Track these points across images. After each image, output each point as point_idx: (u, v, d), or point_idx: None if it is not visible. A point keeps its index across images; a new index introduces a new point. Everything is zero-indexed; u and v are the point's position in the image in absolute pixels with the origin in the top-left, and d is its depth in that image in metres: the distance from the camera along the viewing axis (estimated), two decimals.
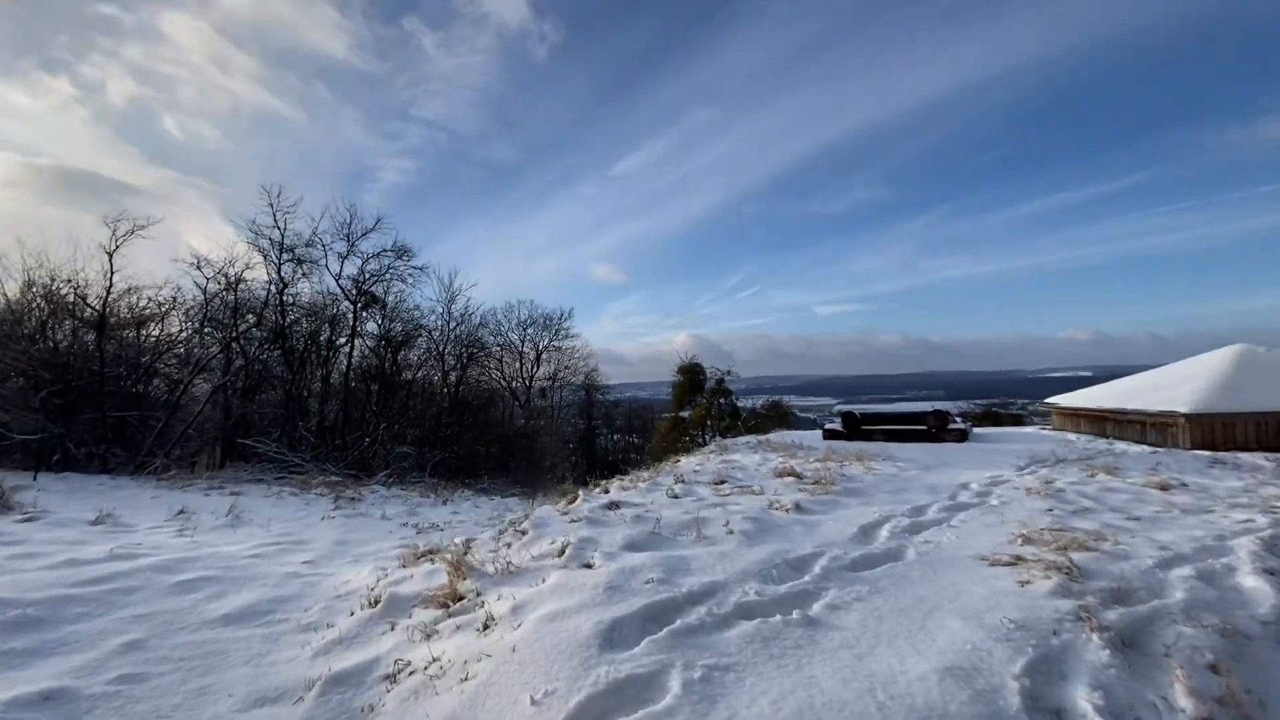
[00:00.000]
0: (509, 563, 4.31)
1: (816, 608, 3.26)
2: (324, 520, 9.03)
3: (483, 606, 3.69)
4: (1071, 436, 15.32)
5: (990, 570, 3.77)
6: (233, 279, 18.00)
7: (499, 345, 39.37)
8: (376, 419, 20.46)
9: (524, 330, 41.96)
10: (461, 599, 3.89)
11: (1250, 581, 3.43)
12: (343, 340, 21.57)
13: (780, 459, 10.97)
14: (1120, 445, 13.03)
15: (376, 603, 4.12)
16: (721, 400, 39.18)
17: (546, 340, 41.44)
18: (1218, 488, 7.20)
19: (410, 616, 3.85)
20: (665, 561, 4.00)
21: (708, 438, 37.61)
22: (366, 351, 22.63)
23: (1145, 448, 12.36)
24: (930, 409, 16.16)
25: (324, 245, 20.41)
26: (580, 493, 7.22)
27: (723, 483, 7.74)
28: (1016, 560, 3.87)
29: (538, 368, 40.87)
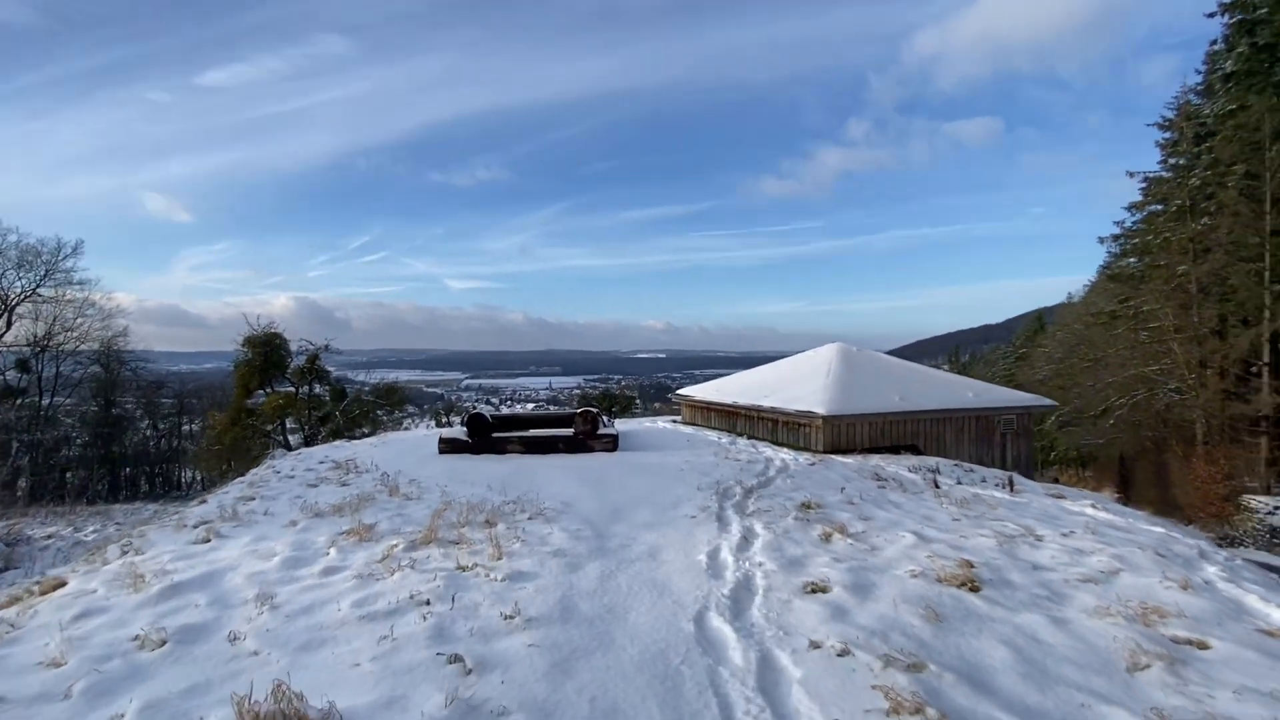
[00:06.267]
0: None
1: None
2: None
3: None
4: (710, 435, 14.06)
5: None
6: None
7: None
8: None
9: None
10: None
11: None
12: None
13: (334, 555, 5.36)
14: (764, 447, 11.94)
15: None
16: (315, 383, 29.63)
17: (30, 283, 27.74)
18: (995, 554, 5.02)
19: None
20: None
21: (291, 435, 28.00)
22: None
23: (792, 453, 11.37)
24: (578, 410, 12.81)
25: None
26: None
27: None
28: None
29: (8, 327, 28.23)
